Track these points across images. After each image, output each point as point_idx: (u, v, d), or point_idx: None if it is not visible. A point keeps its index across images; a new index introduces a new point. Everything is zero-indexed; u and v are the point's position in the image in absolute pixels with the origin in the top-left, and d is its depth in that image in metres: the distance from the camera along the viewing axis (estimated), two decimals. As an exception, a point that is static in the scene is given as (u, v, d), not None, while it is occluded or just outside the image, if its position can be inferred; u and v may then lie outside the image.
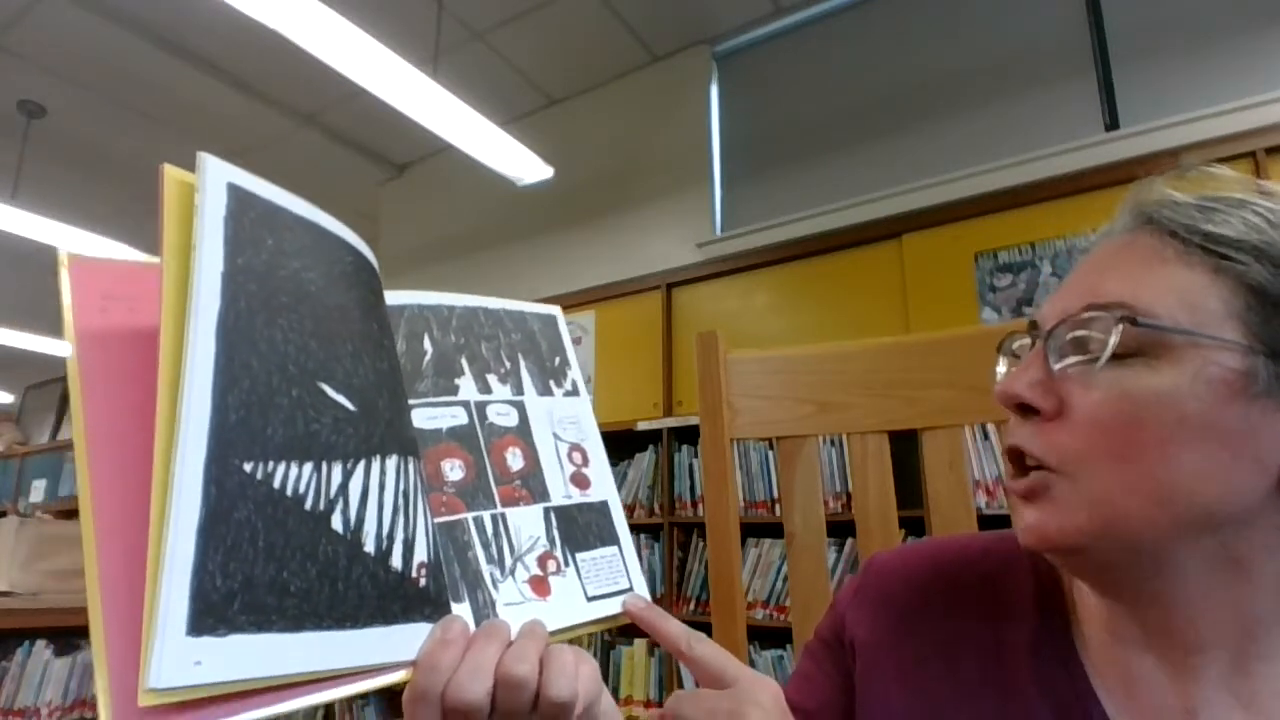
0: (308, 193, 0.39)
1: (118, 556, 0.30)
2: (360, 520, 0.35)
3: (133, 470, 0.32)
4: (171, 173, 0.34)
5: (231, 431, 0.31)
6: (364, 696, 2.80)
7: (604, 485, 0.51)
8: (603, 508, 0.50)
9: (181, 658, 0.27)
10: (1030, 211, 2.28)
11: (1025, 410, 0.41)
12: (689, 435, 2.64)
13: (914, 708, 0.47)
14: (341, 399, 0.36)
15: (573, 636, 0.43)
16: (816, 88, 2.85)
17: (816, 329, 2.61)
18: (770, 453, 2.41)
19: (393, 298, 0.47)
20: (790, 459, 0.77)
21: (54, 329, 4.78)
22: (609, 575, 0.47)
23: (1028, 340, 0.45)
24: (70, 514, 4.02)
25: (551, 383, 0.52)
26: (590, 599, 0.45)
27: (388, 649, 0.34)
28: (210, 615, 0.28)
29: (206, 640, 0.28)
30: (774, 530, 2.38)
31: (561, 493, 0.48)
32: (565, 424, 0.51)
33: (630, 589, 0.47)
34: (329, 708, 2.72)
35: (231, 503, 0.30)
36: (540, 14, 2.92)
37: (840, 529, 2.08)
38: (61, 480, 5.27)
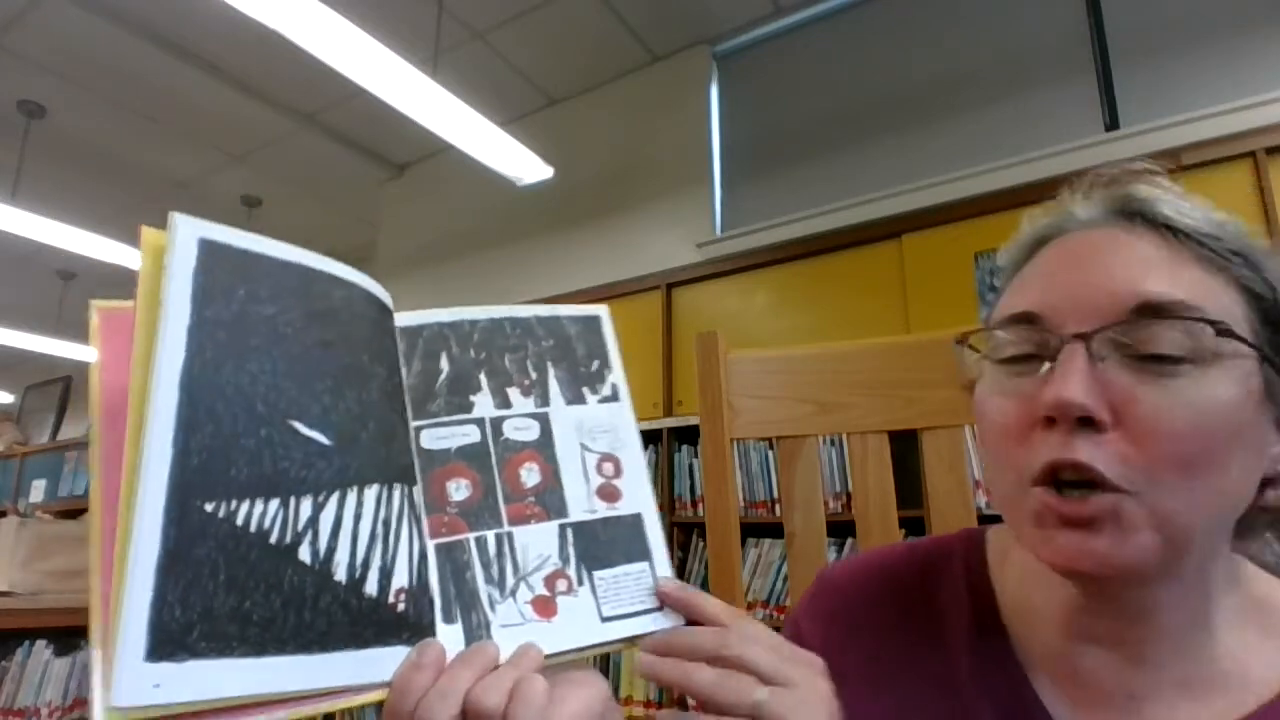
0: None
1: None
2: (330, 550, 0.36)
3: None
4: (148, 234, 0.37)
5: (193, 474, 0.33)
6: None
7: (638, 497, 0.48)
8: (634, 521, 0.48)
9: (140, 681, 0.29)
10: (1030, 211, 2.28)
11: (1084, 422, 0.36)
12: (689, 435, 2.64)
13: (867, 716, 0.47)
14: (315, 434, 0.37)
15: (583, 658, 0.42)
16: (816, 88, 2.85)
17: (816, 329, 2.60)
18: (770, 453, 2.40)
19: (412, 318, 0.46)
20: (790, 459, 0.77)
21: (54, 329, 4.78)
22: (632, 594, 0.45)
23: (1017, 340, 0.41)
24: (69, 514, 4.03)
25: (585, 390, 0.50)
26: (606, 619, 0.43)
27: (359, 671, 0.35)
28: (169, 644, 0.30)
29: (165, 665, 0.30)
30: (774, 530, 2.38)
31: (583, 507, 0.46)
32: (597, 433, 0.49)
33: (659, 609, 0.45)
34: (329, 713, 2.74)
35: (191, 541, 0.32)
36: (540, 14, 2.92)
37: (840, 529, 2.08)
38: (61, 480, 5.27)
